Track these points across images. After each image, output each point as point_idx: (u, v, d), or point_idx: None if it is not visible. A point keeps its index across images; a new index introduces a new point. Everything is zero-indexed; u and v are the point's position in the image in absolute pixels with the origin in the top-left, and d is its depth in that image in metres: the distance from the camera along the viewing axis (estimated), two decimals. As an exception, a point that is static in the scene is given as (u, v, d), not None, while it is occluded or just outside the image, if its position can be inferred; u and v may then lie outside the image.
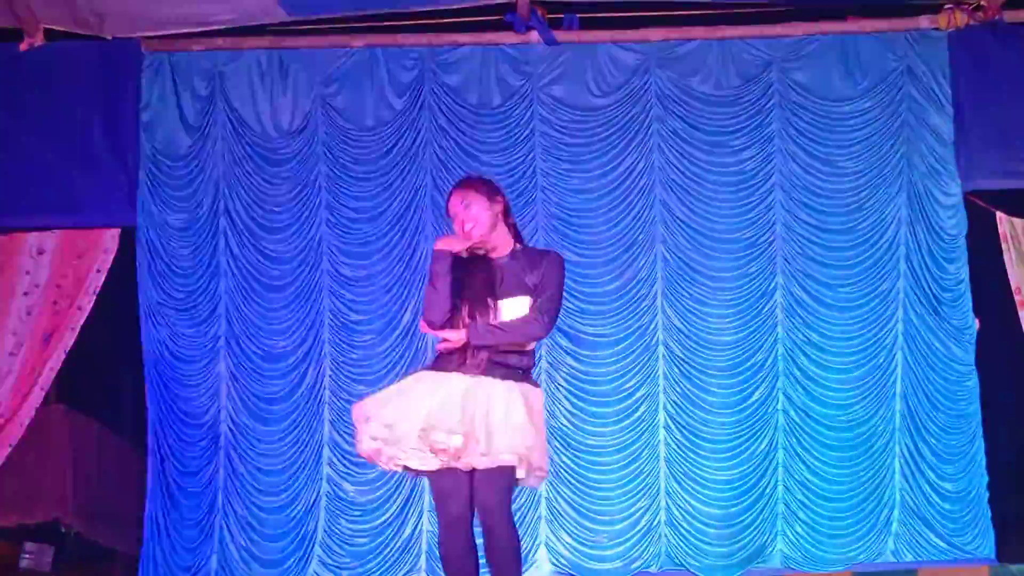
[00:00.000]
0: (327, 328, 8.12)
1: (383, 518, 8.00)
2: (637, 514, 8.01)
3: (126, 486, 8.50)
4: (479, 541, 4.82)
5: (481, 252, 4.98)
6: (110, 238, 8.06)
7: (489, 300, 4.82)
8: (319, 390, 8.10)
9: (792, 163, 8.17)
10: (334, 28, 8.21)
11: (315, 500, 8.02)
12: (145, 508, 8.00)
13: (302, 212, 8.17)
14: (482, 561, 4.79)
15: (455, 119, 8.20)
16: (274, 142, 8.21)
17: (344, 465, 8.03)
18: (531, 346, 4.90)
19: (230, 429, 8.05)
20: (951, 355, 8.02)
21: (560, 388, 8.04)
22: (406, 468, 4.79)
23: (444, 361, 4.79)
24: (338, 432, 8.05)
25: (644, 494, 8.02)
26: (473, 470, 4.71)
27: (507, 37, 8.22)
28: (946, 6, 8.12)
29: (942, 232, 8.09)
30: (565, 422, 8.03)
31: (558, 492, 7.98)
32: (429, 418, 4.62)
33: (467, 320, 4.79)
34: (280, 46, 8.23)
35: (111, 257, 8.03)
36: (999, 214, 8.08)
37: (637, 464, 8.02)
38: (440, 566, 4.86)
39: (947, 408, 8.00)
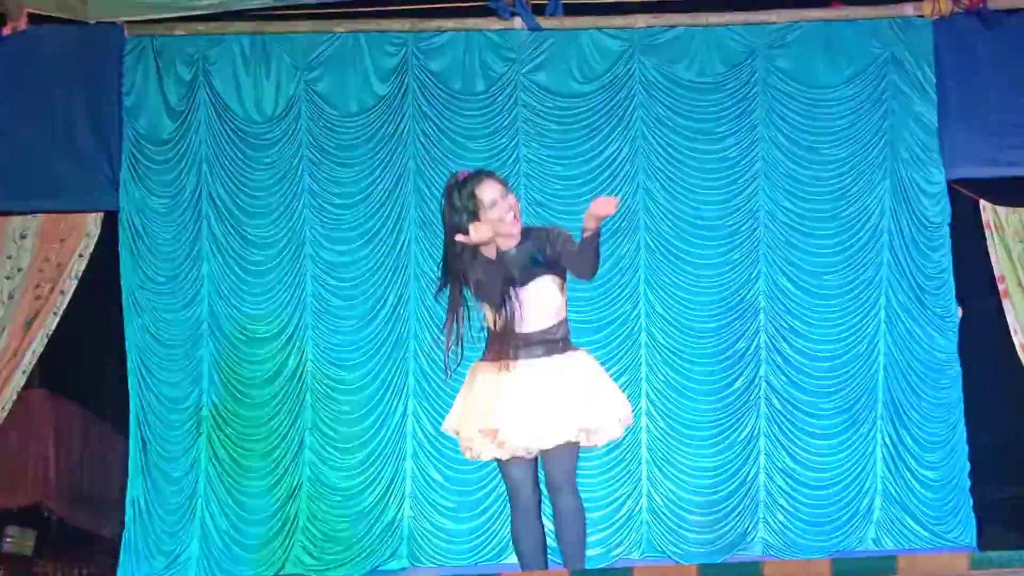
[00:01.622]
0: (310, 313, 8.12)
1: (365, 504, 8.00)
2: (618, 501, 8.02)
3: (108, 470, 8.51)
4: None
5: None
6: (92, 222, 8.05)
7: (511, 292, 4.96)
8: (301, 375, 8.09)
9: (776, 150, 8.16)
10: (317, 13, 8.18)
11: (297, 485, 8.02)
12: (127, 492, 8.01)
13: (285, 197, 8.16)
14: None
15: (438, 105, 8.19)
16: (257, 127, 8.19)
17: (326, 450, 8.04)
18: (563, 315, 5.11)
19: (212, 413, 8.05)
20: (933, 343, 8.02)
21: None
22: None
23: (491, 352, 5.02)
24: (320, 417, 8.05)
25: (625, 481, 8.03)
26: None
27: (491, 23, 8.21)
28: (931, -7, 8.11)
29: (925, 220, 8.08)
30: (547, 409, 8.02)
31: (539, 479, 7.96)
32: (490, 419, 4.92)
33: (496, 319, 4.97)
34: (263, 31, 8.21)
35: (93, 241, 8.02)
36: (983, 202, 8.07)
37: (618, 451, 8.01)
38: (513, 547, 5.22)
39: (929, 396, 8.00)
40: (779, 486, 7.99)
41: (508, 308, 4.92)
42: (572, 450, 4.99)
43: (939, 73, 8.12)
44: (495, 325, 4.99)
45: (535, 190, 8.14)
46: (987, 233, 8.05)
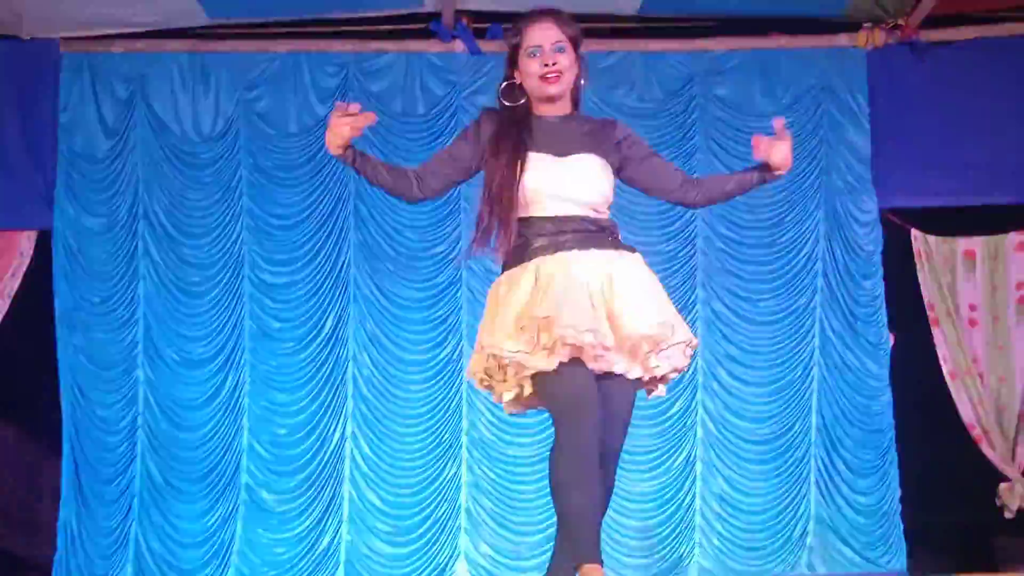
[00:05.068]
0: (247, 335, 8.06)
1: (301, 528, 7.95)
2: (555, 525, 8.01)
3: (41, 493, 8.38)
4: None
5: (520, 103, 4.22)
6: (26, 240, 7.96)
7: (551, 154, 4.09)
8: (238, 397, 8.03)
9: (713, 177, 8.24)
10: (257, 33, 8.15)
11: (233, 508, 7.96)
12: (59, 515, 7.90)
13: (223, 217, 8.10)
14: None
15: (379, 127, 8.08)
16: (195, 146, 8.12)
17: (262, 473, 7.98)
18: (608, 208, 4.29)
19: (147, 436, 7.97)
20: (866, 370, 8.14)
21: (480, 398, 8.03)
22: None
23: (526, 251, 4.05)
24: (257, 440, 7.99)
25: (563, 504, 8.03)
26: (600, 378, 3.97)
27: (432, 46, 8.22)
28: (865, 25, 8.22)
29: (858, 248, 8.20)
30: (486, 432, 8.05)
31: (478, 503, 7.99)
32: (552, 309, 3.89)
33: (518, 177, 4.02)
34: (202, 50, 8.14)
35: (27, 260, 7.93)
36: (914, 231, 8.22)
37: (556, 474, 8.03)
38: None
39: (861, 423, 8.11)
40: (715, 511, 8.05)
41: (520, 163, 3.98)
42: (634, 395, 4.02)
43: (872, 103, 8.25)
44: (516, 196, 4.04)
45: (474, 215, 8.10)
46: (918, 262, 8.21)
